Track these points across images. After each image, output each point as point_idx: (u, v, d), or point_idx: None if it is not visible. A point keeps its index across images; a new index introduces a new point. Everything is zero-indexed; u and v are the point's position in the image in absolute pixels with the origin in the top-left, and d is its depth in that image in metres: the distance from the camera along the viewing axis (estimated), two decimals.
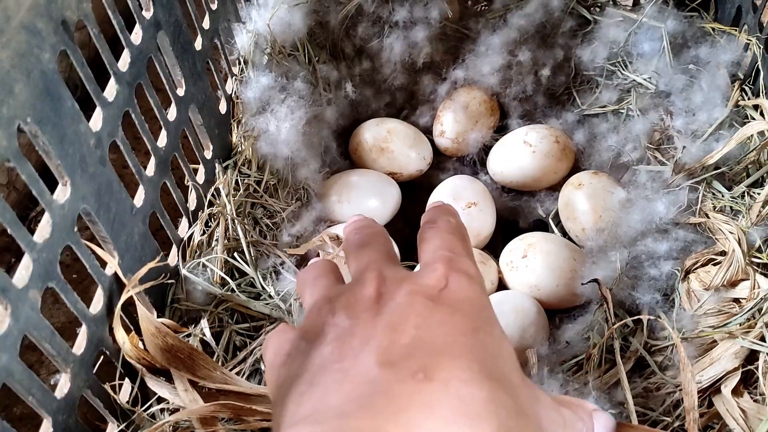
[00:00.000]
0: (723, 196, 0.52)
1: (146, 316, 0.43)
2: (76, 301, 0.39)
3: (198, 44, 0.55)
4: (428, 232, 0.32)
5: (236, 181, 0.57)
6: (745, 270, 0.46)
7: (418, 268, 0.56)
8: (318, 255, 0.55)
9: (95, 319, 0.41)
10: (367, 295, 0.28)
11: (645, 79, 0.62)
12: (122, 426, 0.42)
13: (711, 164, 0.53)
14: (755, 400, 0.41)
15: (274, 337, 0.30)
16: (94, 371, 0.41)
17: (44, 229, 0.36)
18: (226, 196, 0.56)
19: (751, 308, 0.44)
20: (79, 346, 0.40)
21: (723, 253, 0.48)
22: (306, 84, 0.62)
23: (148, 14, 0.47)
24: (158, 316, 0.48)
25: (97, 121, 0.40)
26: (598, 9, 0.67)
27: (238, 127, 0.61)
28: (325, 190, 0.62)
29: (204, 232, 0.53)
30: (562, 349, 0.49)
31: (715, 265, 0.48)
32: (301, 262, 0.55)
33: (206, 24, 0.57)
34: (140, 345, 0.44)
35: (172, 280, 0.50)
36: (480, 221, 0.59)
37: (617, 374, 0.44)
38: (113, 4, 0.42)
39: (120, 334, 0.42)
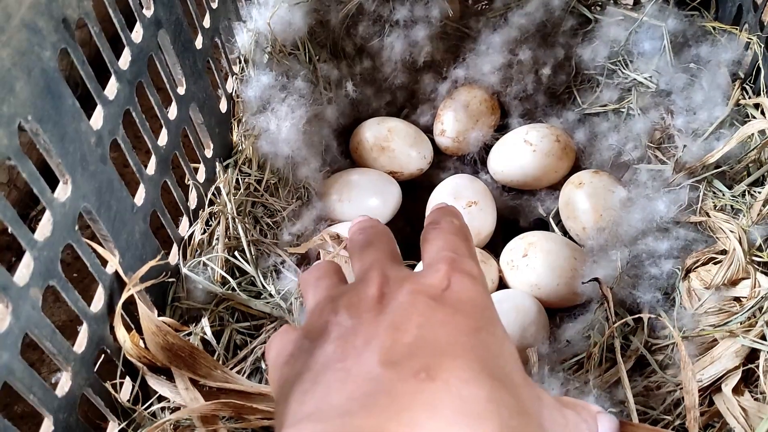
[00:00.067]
0: (724, 194, 0.52)
1: (147, 314, 0.43)
2: (77, 300, 0.39)
3: (199, 43, 0.55)
4: (431, 233, 0.33)
5: (237, 179, 0.58)
6: (746, 269, 0.46)
7: (419, 266, 0.56)
8: (318, 254, 0.55)
9: (96, 317, 0.41)
10: (370, 295, 0.28)
11: (646, 78, 0.62)
12: (123, 424, 0.43)
13: (712, 163, 0.53)
14: (756, 399, 0.41)
15: (277, 338, 0.30)
16: (95, 370, 0.41)
17: (45, 227, 0.36)
18: (227, 194, 0.56)
19: (752, 307, 0.44)
20: (80, 344, 0.40)
21: (724, 252, 0.48)
22: (306, 83, 0.62)
23: (148, 12, 0.47)
24: (159, 315, 0.48)
25: (97, 119, 0.40)
26: (598, 8, 0.67)
27: (238, 126, 0.61)
28: (325, 189, 0.62)
29: (204, 231, 0.53)
30: (562, 348, 0.49)
31: (715, 263, 0.48)
32: (302, 261, 0.55)
33: (207, 23, 0.57)
34: (141, 343, 0.44)
35: (173, 279, 0.50)
36: (480, 220, 0.59)
37: (618, 373, 0.44)
38: (114, 3, 0.42)
39: (121, 332, 0.42)
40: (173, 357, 0.43)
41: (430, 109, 0.69)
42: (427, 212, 0.62)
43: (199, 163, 0.56)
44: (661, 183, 0.54)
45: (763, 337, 0.42)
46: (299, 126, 0.59)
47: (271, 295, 0.51)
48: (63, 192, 0.37)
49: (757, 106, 0.56)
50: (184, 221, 0.53)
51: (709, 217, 0.51)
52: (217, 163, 0.58)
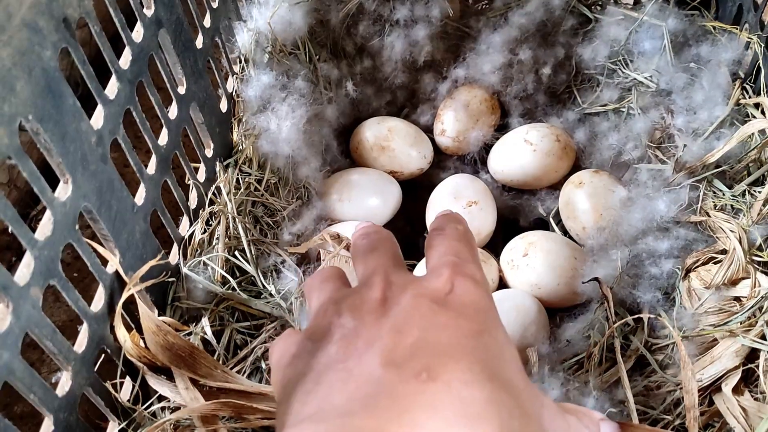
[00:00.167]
0: (724, 194, 0.52)
1: (147, 314, 0.43)
2: (78, 299, 0.39)
3: (199, 42, 0.55)
4: (436, 239, 0.33)
5: (237, 179, 0.58)
6: (746, 268, 0.46)
7: (419, 265, 0.56)
8: (319, 253, 0.55)
9: (96, 317, 0.41)
10: (373, 298, 0.29)
11: (646, 78, 0.62)
12: (123, 424, 0.43)
13: (712, 163, 0.53)
14: (756, 399, 0.41)
15: (280, 340, 0.31)
16: (95, 369, 0.41)
17: (45, 226, 0.36)
18: (227, 194, 0.56)
19: (752, 306, 0.44)
20: (80, 344, 0.40)
21: (724, 252, 0.48)
22: (307, 82, 0.62)
23: (149, 12, 0.47)
24: (159, 315, 0.48)
25: (98, 118, 0.40)
26: (599, 7, 0.67)
27: (238, 126, 0.61)
28: (325, 188, 0.62)
29: (205, 231, 0.53)
30: (562, 348, 0.49)
31: (715, 263, 0.48)
32: (302, 260, 0.55)
33: (207, 22, 0.57)
34: (141, 343, 0.44)
35: (173, 279, 0.50)
36: (481, 220, 0.59)
37: (618, 373, 0.44)
38: (114, 2, 0.42)
39: (121, 332, 0.42)
40: (173, 357, 0.43)
41: (431, 108, 0.69)
42: (428, 212, 0.62)
43: (200, 162, 0.56)
44: (661, 182, 0.54)
45: (763, 337, 0.42)
46: (299, 125, 0.59)
47: (271, 295, 0.51)
48: (63, 191, 0.37)
49: (757, 105, 0.56)
50: (185, 221, 0.53)
51: (709, 216, 0.51)
52: (217, 163, 0.58)
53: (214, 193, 0.56)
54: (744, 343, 0.42)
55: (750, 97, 0.57)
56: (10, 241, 0.61)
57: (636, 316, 0.47)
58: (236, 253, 0.53)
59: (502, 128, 0.68)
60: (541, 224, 0.63)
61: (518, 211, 0.64)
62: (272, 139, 0.58)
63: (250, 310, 0.50)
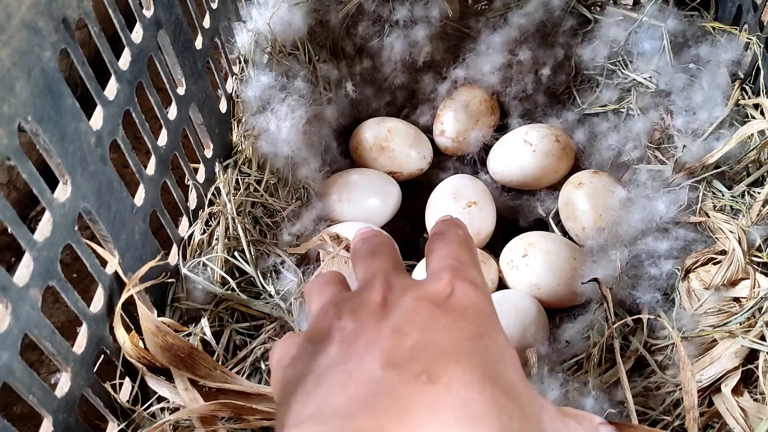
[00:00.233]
0: (723, 195, 0.52)
1: (146, 315, 0.43)
2: (77, 300, 0.39)
3: (198, 43, 0.55)
4: (436, 244, 0.33)
5: (236, 180, 0.57)
6: (745, 269, 0.46)
7: (419, 266, 0.56)
8: (318, 254, 0.55)
9: (95, 318, 0.41)
10: (373, 300, 0.29)
11: (645, 78, 0.62)
12: (122, 425, 0.42)
13: (711, 163, 0.53)
14: (755, 399, 0.41)
15: (281, 342, 0.31)
16: (95, 370, 0.41)
17: (45, 227, 0.36)
18: (227, 195, 0.56)
19: (752, 307, 0.44)
20: (80, 345, 0.40)
21: (723, 252, 0.48)
22: (306, 83, 0.62)
23: (148, 13, 0.47)
24: (158, 315, 0.48)
25: (97, 119, 0.40)
26: (598, 8, 0.67)
27: (238, 126, 0.61)
28: (325, 189, 0.62)
29: (204, 231, 0.53)
30: (562, 348, 0.49)
31: (715, 264, 0.48)
32: (302, 261, 0.55)
33: (207, 23, 0.57)
34: (140, 344, 0.43)
35: (173, 279, 0.50)
36: (480, 220, 0.59)
37: (617, 373, 0.44)
38: (114, 3, 0.42)
39: (120, 333, 0.42)
40: (173, 357, 0.43)
41: (430, 109, 0.69)
42: (427, 212, 0.62)
43: (199, 163, 0.56)
44: (660, 183, 0.54)
45: (762, 338, 0.42)
46: (299, 126, 0.59)
47: (270, 296, 0.51)
48: (63, 192, 0.37)
49: (756, 106, 0.56)
50: (184, 221, 0.53)
51: (708, 217, 0.51)
52: (216, 164, 0.58)
53: (213, 194, 0.56)
54: (743, 344, 0.42)
55: (749, 98, 0.57)
56: (10, 242, 0.61)
57: (635, 317, 0.47)
58: (236, 253, 0.53)
59: (501, 129, 0.68)
60: (541, 225, 0.63)
61: (518, 212, 0.64)
62: (272, 139, 0.58)
63: (249, 311, 0.50)
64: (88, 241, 0.40)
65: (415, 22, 0.65)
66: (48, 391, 0.36)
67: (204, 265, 0.51)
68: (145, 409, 0.43)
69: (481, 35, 0.66)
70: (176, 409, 0.43)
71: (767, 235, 0.48)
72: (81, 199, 0.38)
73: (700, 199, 0.52)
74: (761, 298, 0.44)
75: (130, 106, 0.44)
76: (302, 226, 0.58)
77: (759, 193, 0.51)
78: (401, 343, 0.26)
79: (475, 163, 0.67)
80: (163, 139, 0.50)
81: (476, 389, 0.24)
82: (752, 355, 0.43)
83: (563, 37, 0.66)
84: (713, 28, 0.62)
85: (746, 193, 0.52)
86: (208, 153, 0.57)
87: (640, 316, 0.47)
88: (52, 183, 0.37)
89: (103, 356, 0.42)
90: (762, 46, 0.56)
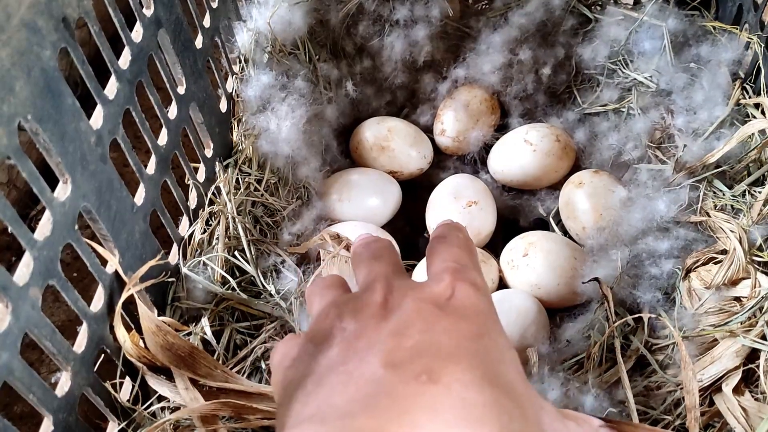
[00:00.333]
0: (724, 194, 0.52)
1: (147, 314, 0.43)
2: (77, 299, 0.39)
3: (198, 42, 0.55)
4: (437, 246, 0.33)
5: (237, 179, 0.57)
6: (746, 268, 0.46)
7: (419, 265, 0.56)
8: (318, 253, 0.55)
9: (96, 317, 0.41)
10: (374, 302, 0.29)
11: (646, 78, 0.62)
12: (123, 424, 0.42)
13: (712, 163, 0.53)
14: (756, 399, 0.41)
15: (281, 343, 0.31)
16: (95, 369, 0.41)
17: (45, 226, 0.36)
18: (227, 194, 0.56)
19: (752, 307, 0.44)
20: (80, 344, 0.40)
21: (724, 252, 0.48)
22: (306, 82, 0.61)
23: (148, 12, 0.47)
24: (159, 315, 0.48)
25: (97, 118, 0.40)
26: (599, 7, 0.67)
27: (238, 126, 0.61)
28: (325, 188, 0.62)
29: (204, 231, 0.53)
30: (562, 348, 0.49)
31: (716, 263, 0.48)
32: (302, 260, 0.55)
33: (207, 22, 0.57)
34: (141, 343, 0.43)
35: (173, 279, 0.50)
36: (481, 220, 0.59)
37: (618, 373, 0.44)
38: (114, 2, 0.42)
39: (121, 332, 0.42)
40: (173, 357, 0.43)
41: (430, 108, 0.69)
42: (428, 212, 0.62)
43: (199, 162, 0.56)
44: (661, 183, 0.54)
45: (763, 337, 0.42)
46: (299, 125, 0.58)
47: (271, 295, 0.51)
48: (63, 191, 0.37)
49: (757, 105, 0.56)
50: (184, 221, 0.53)
51: (709, 216, 0.51)
52: (217, 163, 0.58)
53: (213, 193, 0.56)
54: (744, 344, 0.42)
55: (750, 97, 0.57)
56: (10, 241, 0.61)
57: (636, 316, 0.47)
58: (236, 253, 0.53)
59: (502, 128, 0.68)
60: (541, 224, 0.63)
61: (518, 211, 0.64)
62: (272, 139, 0.58)
63: (249, 310, 0.50)
64: (88, 241, 0.40)
65: (416, 22, 0.65)
66: (48, 391, 0.36)
67: (204, 264, 0.51)
68: (146, 409, 0.43)
69: (482, 35, 0.66)
70: (177, 409, 0.43)
71: (767, 234, 0.48)
72: (81, 199, 0.38)
73: (700, 199, 0.52)
74: (762, 297, 0.44)
75: (130, 105, 0.44)
76: (302, 226, 0.58)
77: (760, 192, 0.51)
78: (402, 344, 0.26)
79: (475, 162, 0.67)
80: (163, 139, 0.49)
81: (476, 389, 0.24)
82: (753, 355, 0.43)
83: (564, 37, 0.66)
84: (714, 28, 0.62)
85: (747, 192, 0.52)
86: (209, 152, 0.57)
87: (641, 315, 0.47)
88: (52, 182, 0.37)
89: (103, 355, 0.42)
90: (762, 45, 0.56)
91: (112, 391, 0.42)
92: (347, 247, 0.54)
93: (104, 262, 0.42)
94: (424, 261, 0.55)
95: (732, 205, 0.51)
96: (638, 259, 0.50)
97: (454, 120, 0.66)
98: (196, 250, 0.52)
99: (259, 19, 0.61)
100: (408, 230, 0.64)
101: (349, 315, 0.29)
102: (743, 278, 0.46)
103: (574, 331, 0.50)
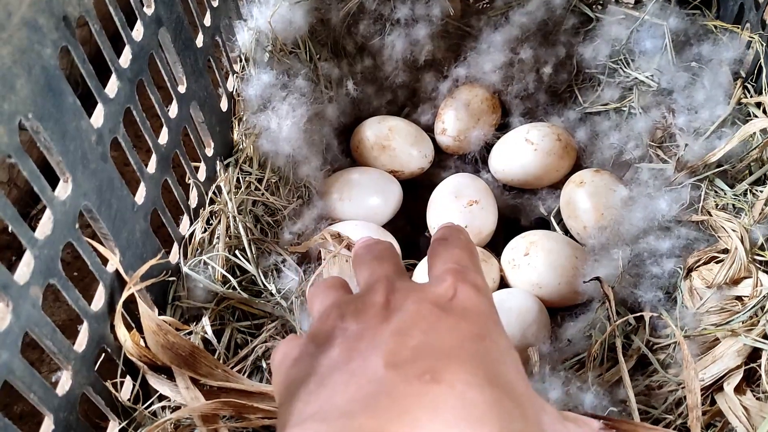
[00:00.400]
0: (725, 193, 0.52)
1: (147, 313, 0.43)
2: (78, 299, 0.39)
3: (199, 41, 0.55)
4: (438, 248, 0.33)
5: (237, 178, 0.57)
6: (748, 268, 0.46)
7: (420, 265, 0.56)
8: (319, 252, 0.55)
9: (96, 316, 0.41)
10: (376, 302, 0.29)
11: (647, 77, 0.62)
12: (123, 423, 0.42)
13: (713, 162, 0.53)
14: (758, 398, 0.41)
15: (283, 343, 0.31)
16: (96, 369, 0.41)
17: (45, 225, 0.36)
18: (228, 193, 0.56)
19: (754, 306, 0.44)
20: (81, 343, 0.40)
21: (725, 251, 0.48)
22: (307, 81, 0.61)
23: (149, 11, 0.47)
24: (159, 314, 0.48)
25: (98, 117, 0.40)
26: (600, 6, 0.67)
27: (239, 125, 0.61)
28: (326, 187, 0.62)
29: (205, 230, 0.53)
30: (563, 347, 0.49)
31: (717, 262, 0.48)
32: (303, 259, 0.55)
33: (207, 21, 0.57)
34: (141, 342, 0.43)
35: (174, 278, 0.50)
36: (482, 219, 0.59)
37: (619, 372, 0.44)
38: (114, 1, 0.42)
39: (121, 331, 0.42)
40: (174, 356, 0.43)
41: (431, 107, 0.69)
42: (428, 211, 0.62)
43: (200, 161, 0.56)
44: (662, 182, 0.54)
45: (765, 336, 0.42)
46: (300, 125, 0.58)
47: (271, 294, 0.51)
48: (63, 190, 0.37)
49: (758, 104, 0.56)
50: (185, 220, 0.53)
51: (710, 216, 0.51)
52: (217, 162, 0.58)
53: (214, 192, 0.56)
54: (746, 343, 0.42)
55: (751, 97, 0.57)
56: (10, 240, 0.61)
57: (637, 315, 0.47)
58: (237, 252, 0.53)
59: (503, 127, 0.68)
60: (542, 223, 0.63)
61: (519, 211, 0.64)
62: (273, 138, 0.58)
63: (250, 310, 0.50)
64: (89, 240, 0.40)
65: (417, 21, 0.65)
66: (49, 390, 0.36)
67: (205, 263, 0.51)
68: (146, 408, 0.43)
69: (483, 34, 0.66)
70: (177, 408, 0.43)
71: None
72: (82, 197, 0.38)
73: (702, 198, 0.52)
74: (764, 296, 0.44)
75: (131, 104, 0.44)
76: (303, 225, 0.58)
77: (761, 191, 0.51)
78: (404, 344, 0.26)
79: (476, 161, 0.67)
80: (163, 138, 0.49)
81: (477, 389, 0.24)
82: (755, 354, 0.42)
83: (565, 36, 0.66)
84: (715, 27, 0.62)
85: (748, 191, 0.52)
86: (209, 151, 0.57)
87: (642, 314, 0.47)
88: (53, 181, 0.37)
89: (104, 355, 0.42)
90: (764, 44, 0.56)
91: (113, 391, 0.42)
92: (348, 247, 0.54)
93: (105, 261, 0.42)
94: (424, 260, 0.55)
95: (733, 204, 0.51)
96: (639, 259, 0.50)
97: (455, 119, 0.66)
98: (197, 249, 0.52)
99: (259, 18, 0.61)
100: (409, 229, 0.64)
101: (350, 315, 0.29)
102: (745, 277, 0.46)
103: (575, 331, 0.50)
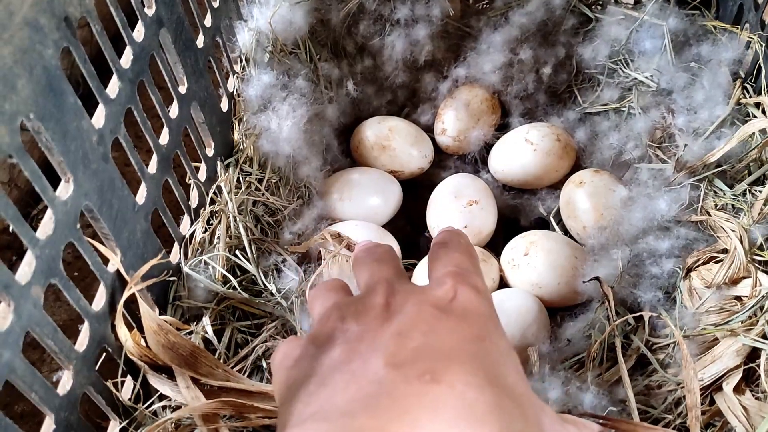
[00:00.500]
0: (724, 194, 0.52)
1: (148, 313, 0.43)
2: (79, 298, 0.39)
3: (200, 42, 0.55)
4: (439, 252, 0.34)
5: (238, 178, 0.58)
6: (747, 268, 0.46)
7: (420, 265, 0.56)
8: (319, 252, 0.55)
9: (97, 316, 0.41)
10: (376, 304, 0.29)
11: (646, 77, 0.62)
12: (124, 423, 0.43)
13: (712, 162, 0.53)
14: (757, 398, 0.41)
15: (283, 344, 0.31)
16: (97, 368, 0.41)
17: (47, 225, 0.36)
18: (228, 193, 0.56)
19: (753, 306, 0.44)
20: (82, 343, 0.40)
21: (724, 251, 0.48)
22: (307, 82, 0.62)
23: (150, 11, 0.47)
24: (160, 314, 0.48)
25: (99, 117, 0.40)
26: (599, 7, 0.67)
27: (239, 125, 0.61)
28: (326, 188, 0.62)
29: (206, 230, 0.53)
30: (563, 347, 0.49)
31: (716, 262, 0.48)
32: (303, 259, 0.55)
33: (208, 22, 0.57)
34: (142, 342, 0.44)
35: (174, 278, 0.50)
36: (481, 219, 0.59)
37: (618, 372, 0.44)
38: (116, 1, 0.42)
39: (122, 331, 0.42)
40: (174, 356, 0.43)
41: (431, 108, 0.69)
42: (428, 211, 0.62)
43: (201, 161, 0.56)
44: (661, 182, 0.54)
45: (764, 336, 0.42)
46: (300, 125, 0.59)
47: (272, 294, 0.51)
48: (65, 190, 0.37)
49: (758, 105, 0.56)
50: (186, 220, 0.53)
51: (710, 216, 0.51)
52: (218, 162, 0.58)
53: (215, 193, 0.56)
54: (745, 343, 0.42)
55: (750, 97, 0.57)
56: (11, 240, 0.61)
57: (637, 315, 0.47)
58: (237, 252, 0.53)
59: (502, 128, 0.68)
60: (542, 224, 0.63)
61: (519, 211, 0.64)
62: (273, 138, 0.58)
63: (251, 309, 0.50)
64: (90, 239, 0.40)
65: (416, 21, 0.65)
66: (50, 390, 0.36)
67: (205, 263, 0.51)
68: (147, 408, 0.43)
69: (482, 34, 0.66)
70: (178, 408, 0.43)
71: None
72: (83, 197, 0.38)
73: (701, 198, 0.52)
74: (763, 296, 0.44)
75: (132, 104, 0.44)
76: (303, 225, 0.58)
77: (760, 191, 0.51)
78: (404, 345, 0.26)
79: (476, 162, 0.67)
80: (164, 138, 0.50)
81: (478, 390, 0.24)
82: (754, 354, 0.43)
83: (564, 36, 0.66)
84: (714, 27, 0.62)
85: (747, 191, 0.52)
86: (210, 152, 0.57)
87: (642, 314, 0.47)
88: (54, 181, 0.37)
89: (104, 354, 0.42)
90: (763, 45, 0.56)
91: (114, 390, 0.42)
92: (348, 247, 0.54)
93: (106, 261, 0.42)
94: (424, 260, 0.55)
95: (732, 205, 0.51)
96: (639, 259, 0.51)
97: (454, 119, 0.66)
98: (198, 249, 0.52)
99: (260, 19, 0.61)
100: (409, 229, 0.64)
101: (351, 317, 0.29)
102: (744, 277, 0.46)
103: (574, 330, 0.50)
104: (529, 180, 0.63)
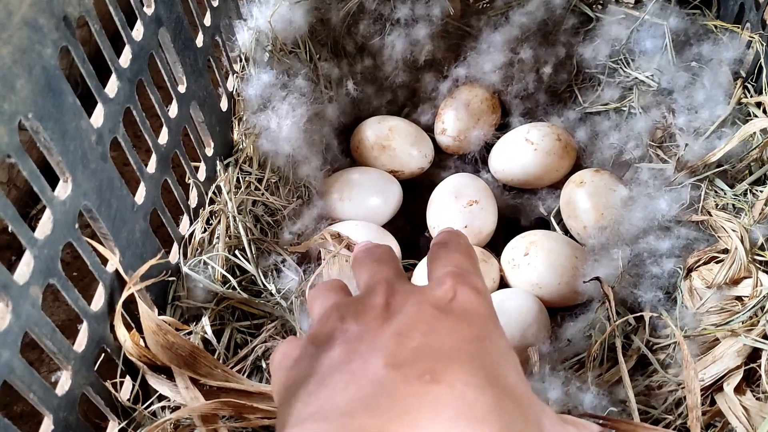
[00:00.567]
0: (725, 193, 0.52)
1: (147, 313, 0.43)
2: (77, 299, 0.39)
3: (199, 41, 0.55)
4: (438, 252, 0.34)
5: (237, 178, 0.57)
6: (748, 268, 0.46)
7: (420, 265, 0.56)
8: (319, 253, 0.55)
9: (96, 316, 0.41)
10: (376, 304, 0.29)
11: (647, 77, 0.62)
12: (123, 424, 0.42)
13: (713, 162, 0.53)
14: (758, 398, 0.41)
15: (283, 344, 0.31)
16: (95, 369, 0.41)
17: (45, 225, 0.36)
18: (228, 193, 0.56)
19: (754, 306, 0.44)
20: (80, 343, 0.40)
21: (725, 251, 0.48)
22: (307, 81, 0.61)
23: (149, 10, 0.47)
24: (159, 314, 0.48)
25: (98, 117, 0.40)
26: (600, 6, 0.67)
27: (239, 125, 0.61)
28: (326, 187, 0.62)
29: (205, 230, 0.53)
30: (563, 347, 0.49)
31: (717, 262, 0.48)
32: (303, 259, 0.55)
33: (207, 21, 0.57)
34: (141, 342, 0.43)
35: (173, 278, 0.50)
36: (481, 219, 0.59)
37: (619, 372, 0.44)
38: (114, 1, 0.42)
39: (121, 331, 0.42)
40: (173, 356, 0.43)
41: (431, 107, 0.69)
42: (428, 211, 0.62)
43: (200, 161, 0.56)
44: (662, 182, 0.54)
45: (765, 337, 0.42)
46: (300, 124, 0.58)
47: (271, 294, 0.51)
48: (63, 190, 0.37)
49: (758, 104, 0.56)
50: (185, 220, 0.53)
51: (710, 215, 0.51)
52: (217, 162, 0.58)
53: (214, 192, 0.56)
54: (746, 343, 0.42)
55: (751, 96, 0.57)
56: (10, 240, 0.61)
57: (637, 315, 0.47)
58: (236, 252, 0.53)
59: (502, 127, 0.68)
60: (542, 223, 0.63)
61: (519, 211, 0.64)
62: (273, 138, 0.58)
63: (250, 310, 0.50)
64: (88, 239, 0.40)
65: (417, 21, 0.65)
66: (48, 390, 0.36)
67: (205, 263, 0.51)
68: (146, 408, 0.43)
69: (483, 34, 0.66)
70: (177, 408, 0.43)
71: None
72: (82, 197, 0.38)
73: (702, 198, 0.52)
74: (764, 296, 0.44)
75: (131, 103, 0.44)
76: (303, 225, 0.58)
77: (761, 191, 0.51)
78: (404, 345, 0.26)
79: (476, 161, 0.67)
80: (163, 137, 0.49)
81: (478, 390, 0.24)
82: (755, 354, 0.42)
83: (565, 36, 0.66)
84: (715, 27, 0.62)
85: (748, 191, 0.52)
86: (209, 151, 0.57)
87: (642, 314, 0.47)
88: (53, 181, 0.37)
89: (103, 355, 0.42)
90: (764, 44, 0.56)
91: (113, 391, 0.42)
92: (348, 247, 0.54)
93: (105, 261, 0.42)
94: (424, 260, 0.55)
95: (733, 204, 0.51)
96: (639, 259, 0.50)
97: (455, 119, 0.66)
98: (197, 249, 0.52)
99: (259, 18, 0.61)
100: (409, 229, 0.64)
101: (351, 317, 0.29)
102: (744, 277, 0.46)
103: (575, 331, 0.50)
104: (529, 180, 0.63)
